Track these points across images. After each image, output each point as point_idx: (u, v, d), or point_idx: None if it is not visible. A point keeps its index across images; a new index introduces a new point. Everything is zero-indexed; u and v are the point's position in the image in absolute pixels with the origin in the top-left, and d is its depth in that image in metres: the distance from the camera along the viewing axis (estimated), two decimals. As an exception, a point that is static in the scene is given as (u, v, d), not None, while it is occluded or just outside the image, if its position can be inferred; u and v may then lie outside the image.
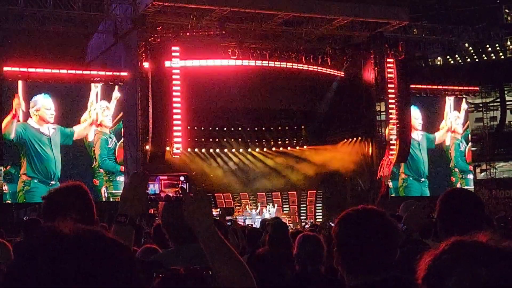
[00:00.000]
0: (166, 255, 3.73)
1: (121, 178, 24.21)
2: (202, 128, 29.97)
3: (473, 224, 3.45)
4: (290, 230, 8.47)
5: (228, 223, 10.10)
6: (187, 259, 3.01)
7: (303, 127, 32.05)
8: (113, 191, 23.92)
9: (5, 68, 22.99)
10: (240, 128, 31.15)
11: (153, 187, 2.54)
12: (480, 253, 1.50)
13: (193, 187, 2.55)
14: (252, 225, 20.20)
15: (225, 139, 30.88)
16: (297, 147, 32.12)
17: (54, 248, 1.25)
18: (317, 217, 29.94)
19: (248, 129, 31.30)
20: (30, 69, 23.19)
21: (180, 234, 3.44)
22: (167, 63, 24.02)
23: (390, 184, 28.30)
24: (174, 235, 3.57)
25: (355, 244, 2.77)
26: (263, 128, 31.70)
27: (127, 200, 2.56)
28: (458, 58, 35.63)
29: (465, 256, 1.51)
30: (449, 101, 30.52)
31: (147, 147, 24.06)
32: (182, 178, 2.55)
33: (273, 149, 31.89)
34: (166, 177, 2.59)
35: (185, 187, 2.53)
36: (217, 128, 30.63)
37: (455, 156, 30.25)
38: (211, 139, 30.54)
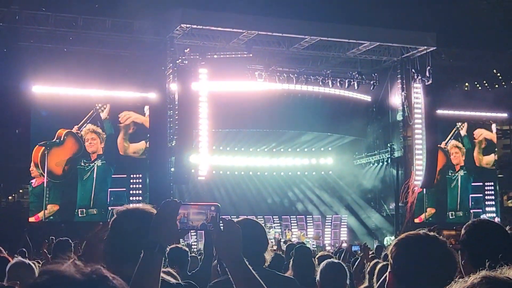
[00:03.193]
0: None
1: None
2: (228, 149, 30.03)
3: (502, 258, 3.37)
4: (318, 255, 8.40)
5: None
6: None
7: (329, 149, 31.96)
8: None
9: (35, 88, 22.88)
10: (266, 150, 31.16)
11: (184, 216, 2.50)
12: None
13: (223, 217, 2.52)
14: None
15: (250, 162, 30.87)
16: (322, 172, 32.05)
17: None
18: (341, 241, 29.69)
19: (274, 150, 31.30)
20: (59, 88, 23.10)
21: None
22: (194, 85, 24.13)
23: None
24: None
25: (412, 270, 2.64)
26: (289, 150, 31.68)
27: (157, 229, 2.50)
28: (486, 84, 35.30)
29: None
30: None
31: (172, 169, 24.12)
32: (212, 208, 2.50)
33: (298, 173, 31.84)
34: (196, 206, 2.53)
35: (215, 216, 2.50)
36: (242, 149, 30.64)
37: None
38: (236, 162, 30.53)
